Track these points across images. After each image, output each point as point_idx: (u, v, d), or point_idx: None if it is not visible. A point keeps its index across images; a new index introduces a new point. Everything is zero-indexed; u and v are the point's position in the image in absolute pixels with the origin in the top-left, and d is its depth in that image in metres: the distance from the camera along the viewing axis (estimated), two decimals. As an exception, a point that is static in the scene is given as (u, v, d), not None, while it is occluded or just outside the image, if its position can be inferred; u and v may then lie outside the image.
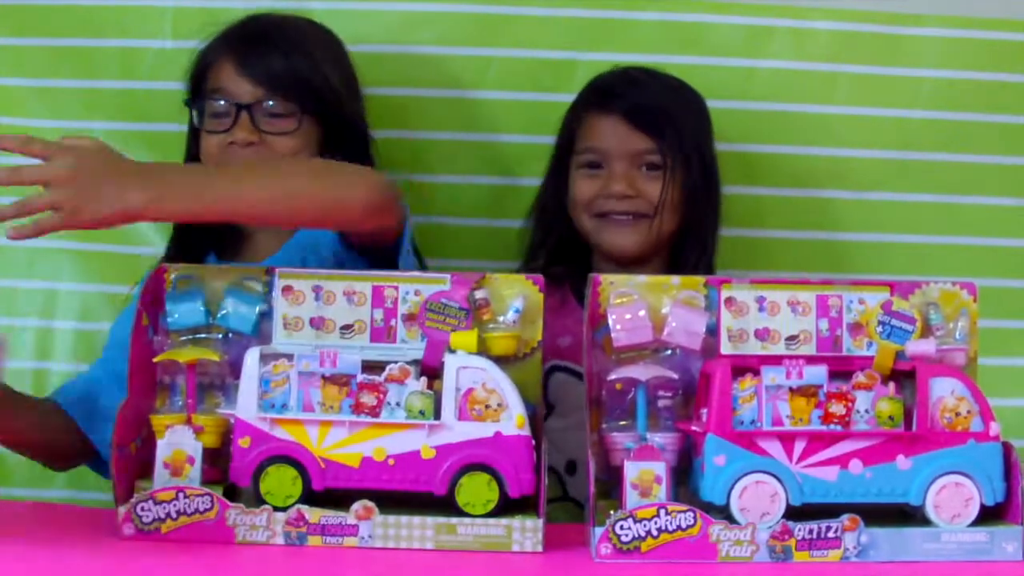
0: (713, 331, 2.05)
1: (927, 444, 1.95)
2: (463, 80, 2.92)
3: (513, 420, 1.96)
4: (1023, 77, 2.92)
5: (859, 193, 2.92)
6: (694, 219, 2.71)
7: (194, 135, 2.65)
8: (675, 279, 2.08)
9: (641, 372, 2.03)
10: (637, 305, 2.05)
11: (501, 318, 2.06)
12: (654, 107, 2.71)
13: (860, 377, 1.97)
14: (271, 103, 2.55)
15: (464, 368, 1.97)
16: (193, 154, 2.65)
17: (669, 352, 2.06)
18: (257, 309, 2.07)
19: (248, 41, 2.60)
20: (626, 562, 1.91)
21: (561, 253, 2.78)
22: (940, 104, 2.92)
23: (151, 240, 2.86)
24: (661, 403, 2.06)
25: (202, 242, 2.65)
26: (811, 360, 1.99)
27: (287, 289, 2.07)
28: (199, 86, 2.63)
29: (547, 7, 2.93)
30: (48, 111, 2.89)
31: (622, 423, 2.06)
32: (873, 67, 2.92)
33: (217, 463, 2.03)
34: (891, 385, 1.97)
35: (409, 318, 2.06)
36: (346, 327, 2.06)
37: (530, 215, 2.83)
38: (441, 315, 2.03)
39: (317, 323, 2.06)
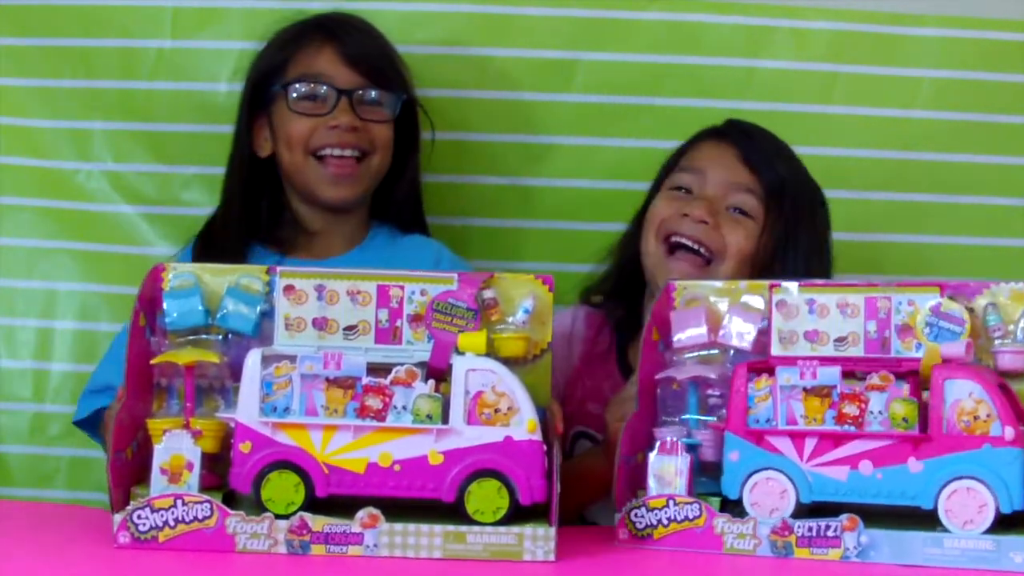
0: (766, 333, 2.06)
1: (939, 447, 1.92)
2: (463, 80, 2.92)
3: (524, 424, 1.90)
4: (1023, 77, 2.92)
5: (859, 193, 2.93)
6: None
7: (248, 125, 2.66)
8: (742, 284, 2.10)
9: (681, 371, 2.07)
10: (698, 309, 2.08)
11: (510, 319, 2.02)
12: (771, 152, 2.57)
13: (874, 379, 1.95)
14: (372, 91, 2.62)
15: (473, 370, 1.91)
16: (244, 144, 2.66)
17: (722, 352, 2.09)
18: (258, 309, 2.02)
19: (346, 31, 2.66)
20: (642, 548, 1.96)
21: (619, 290, 2.66)
22: (939, 104, 2.92)
23: (151, 240, 2.87)
24: (711, 401, 2.08)
25: (247, 228, 2.66)
26: (825, 361, 1.99)
27: (289, 288, 2.01)
28: (275, 72, 2.64)
29: (547, 7, 2.93)
30: (48, 111, 2.89)
31: (671, 419, 2.09)
32: (872, 67, 2.93)
33: (215, 469, 1.96)
34: (905, 387, 1.95)
35: (415, 319, 2.00)
36: (350, 328, 2.01)
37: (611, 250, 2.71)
38: (448, 316, 1.98)
39: (320, 324, 2.01)
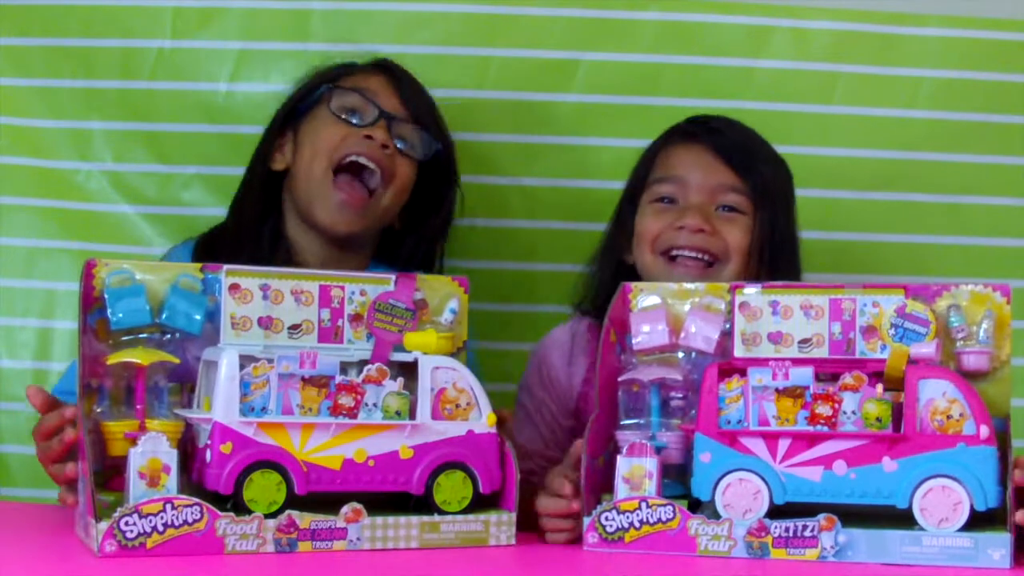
0: (729, 335, 2.06)
1: (913, 446, 1.93)
2: (463, 80, 2.92)
3: (484, 418, 2.01)
4: (1023, 77, 2.90)
5: (859, 193, 2.91)
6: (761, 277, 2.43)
7: (270, 136, 2.63)
8: (700, 285, 2.11)
9: (645, 373, 2.06)
10: (658, 311, 2.08)
11: (439, 318, 2.10)
12: (745, 145, 2.53)
13: (847, 379, 1.96)
14: (410, 125, 2.59)
15: (438, 368, 1.99)
16: (264, 153, 2.63)
17: (682, 355, 2.09)
18: (204, 309, 2.00)
19: (401, 72, 2.65)
20: (612, 551, 1.96)
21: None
22: (940, 104, 2.91)
23: (151, 240, 2.87)
24: (673, 403, 2.08)
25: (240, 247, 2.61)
26: (798, 362, 1.99)
27: (234, 287, 2.00)
28: (323, 84, 2.62)
29: (547, 7, 2.92)
30: (48, 111, 2.89)
31: (633, 422, 2.08)
32: (873, 67, 2.92)
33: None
34: (879, 387, 1.95)
35: (355, 318, 2.04)
36: (294, 327, 2.02)
37: (591, 261, 2.66)
38: (389, 315, 2.04)
39: (265, 323, 2.00)
